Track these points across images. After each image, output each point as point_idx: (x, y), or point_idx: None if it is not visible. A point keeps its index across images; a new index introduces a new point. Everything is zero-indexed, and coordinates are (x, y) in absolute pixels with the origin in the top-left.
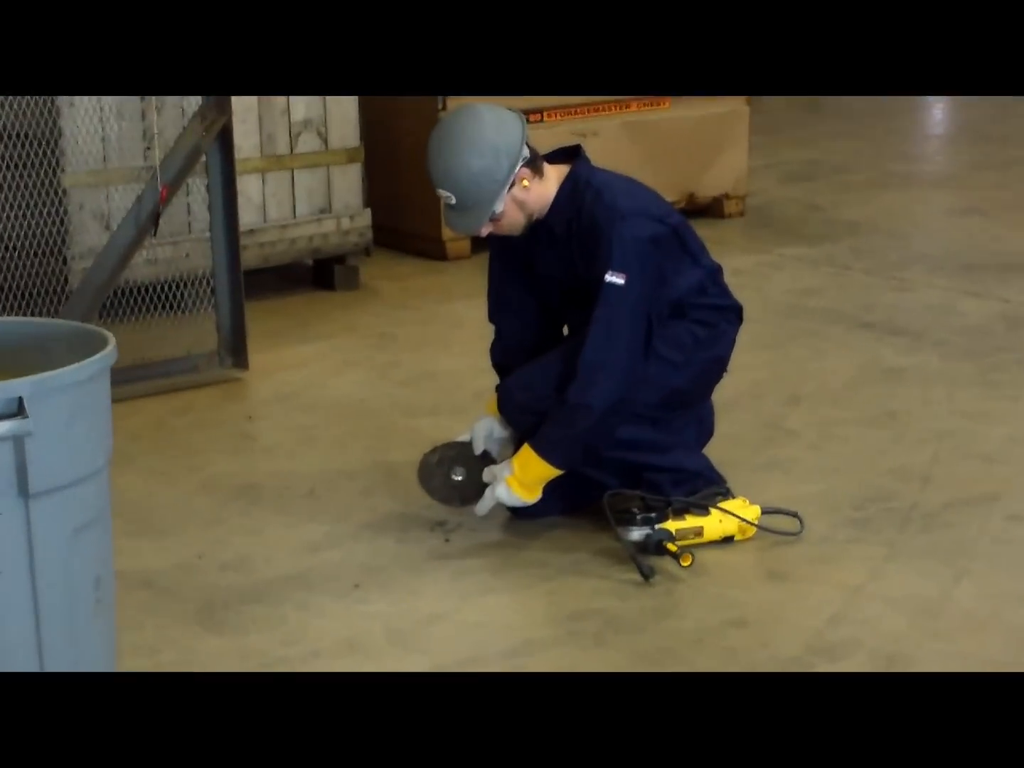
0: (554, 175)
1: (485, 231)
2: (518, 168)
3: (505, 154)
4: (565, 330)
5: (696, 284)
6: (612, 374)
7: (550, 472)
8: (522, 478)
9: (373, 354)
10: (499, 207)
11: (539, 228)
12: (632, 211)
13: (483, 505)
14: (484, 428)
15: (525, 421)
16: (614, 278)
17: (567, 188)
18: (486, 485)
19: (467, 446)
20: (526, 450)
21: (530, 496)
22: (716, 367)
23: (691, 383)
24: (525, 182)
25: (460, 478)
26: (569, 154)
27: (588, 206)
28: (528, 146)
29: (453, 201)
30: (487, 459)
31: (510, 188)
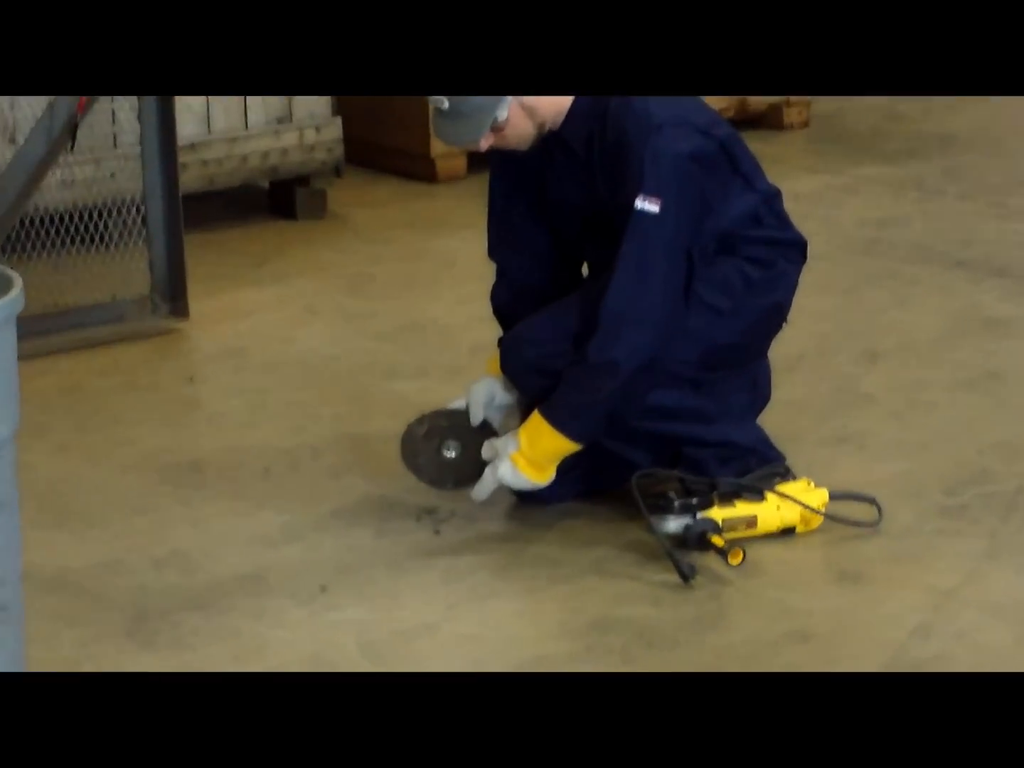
0: None
1: (485, 144)
2: None
3: None
4: (584, 270)
5: (749, 213)
6: (643, 325)
7: (565, 447)
8: (531, 454)
9: (344, 300)
10: (502, 114)
11: (552, 142)
12: (669, 120)
13: (482, 488)
14: (483, 392)
15: (535, 383)
16: (646, 204)
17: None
18: (485, 463)
19: (462, 415)
20: (536, 419)
21: (540, 477)
22: (773, 316)
23: (742, 336)
24: None
25: (453, 454)
26: None
27: (614, 114)
28: None
29: (445, 106)
30: (487, 431)
31: None
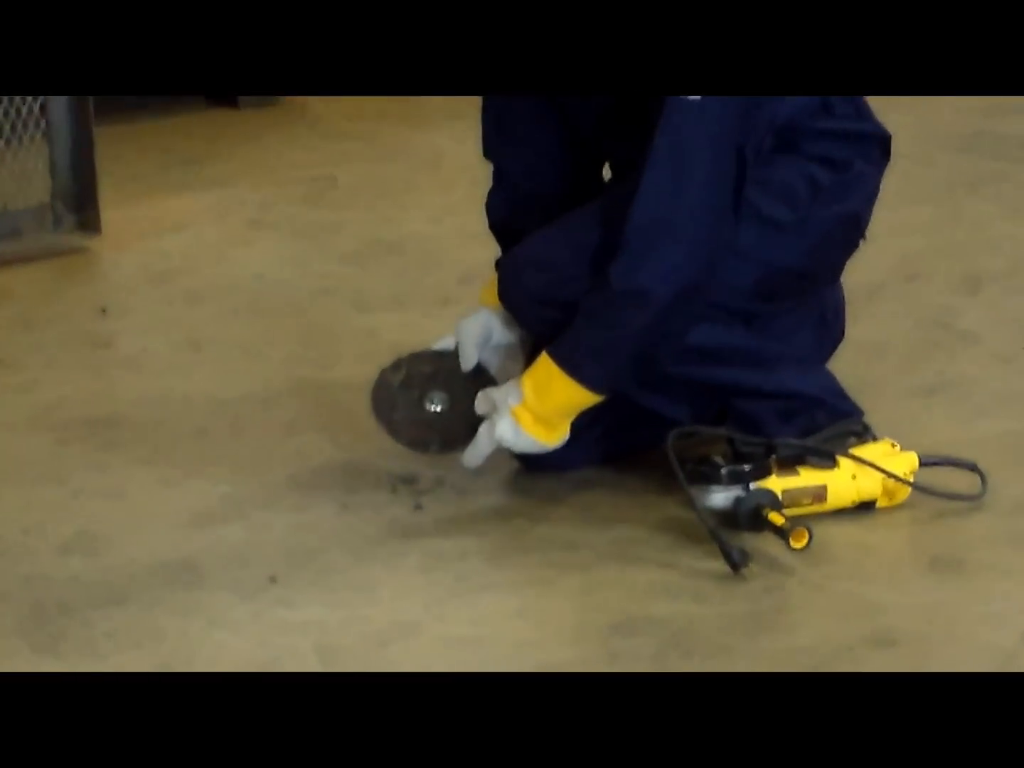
0: None
1: None
2: None
3: None
4: (606, 173)
5: (816, 98)
6: (681, 241)
7: (582, 398)
8: (537, 408)
9: (299, 211)
10: None
11: None
12: None
13: (475, 452)
14: (477, 329)
15: (542, 317)
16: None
17: None
18: (479, 420)
19: (450, 358)
20: (544, 363)
21: (550, 437)
22: (848, 231)
23: (808, 257)
24: None
25: (439, 408)
26: None
27: None
28: None
29: None
30: (482, 378)
31: None
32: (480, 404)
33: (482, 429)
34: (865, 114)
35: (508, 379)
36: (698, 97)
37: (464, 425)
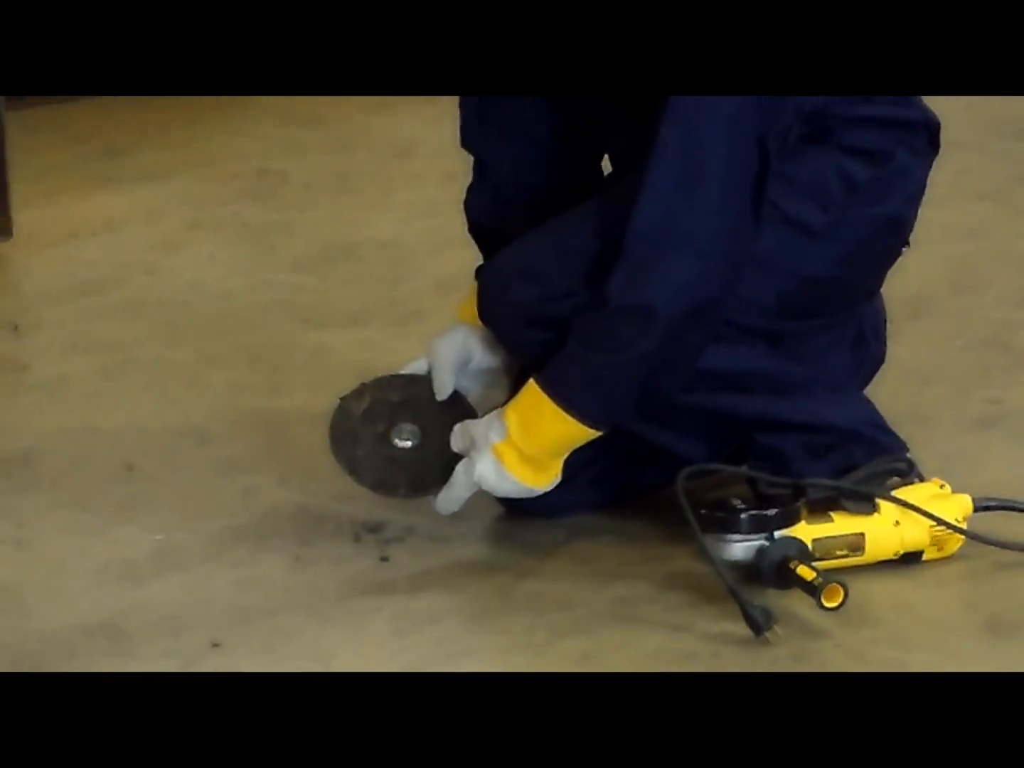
0: None
1: None
2: None
3: None
4: (605, 166)
5: None
6: (691, 250)
7: (576, 434)
8: (524, 445)
9: (246, 209)
10: None
11: None
12: None
13: (450, 495)
14: (454, 349)
15: (530, 337)
16: None
17: None
18: (456, 457)
19: (422, 384)
20: (532, 392)
21: (537, 479)
22: (889, 235)
23: (842, 266)
24: None
25: (409, 443)
26: None
27: None
28: None
29: None
30: (459, 408)
31: None
32: (457, 439)
33: (459, 469)
34: (910, 98)
35: (490, 410)
36: None
37: (437, 464)
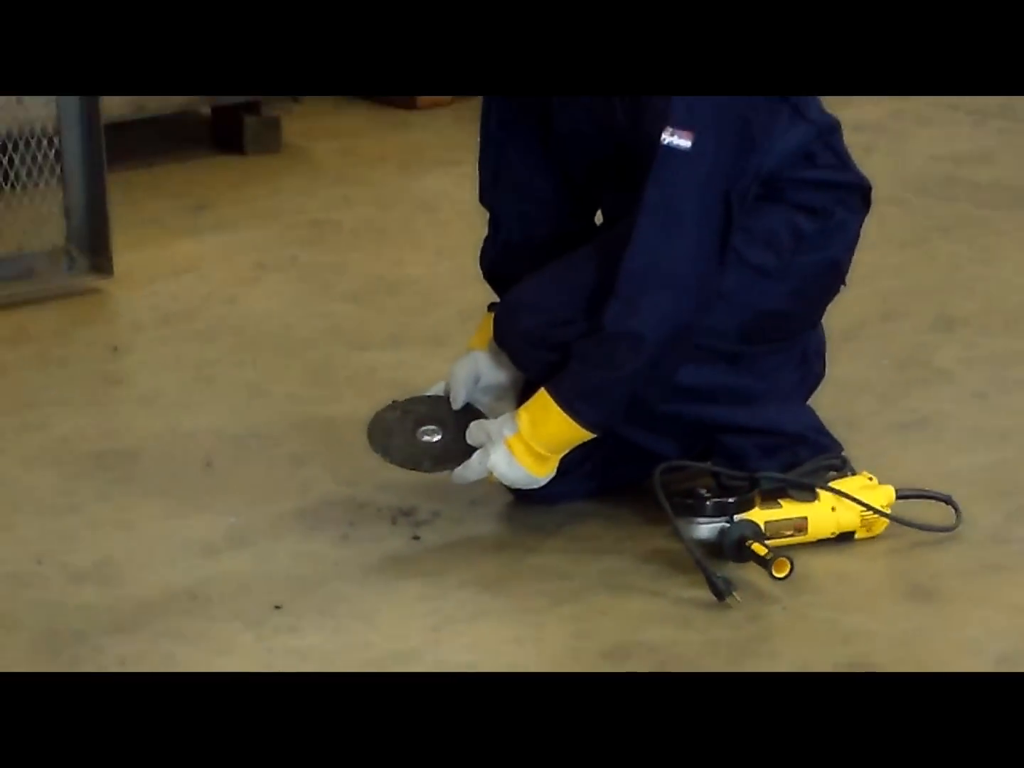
0: None
1: None
2: None
3: None
4: (598, 219)
5: (799, 149)
6: (672, 287)
7: (575, 435)
8: (532, 441)
9: (303, 253)
10: None
11: None
12: None
13: (466, 471)
14: (467, 370)
15: (536, 359)
16: (675, 139)
17: None
18: (471, 450)
19: (443, 400)
20: (542, 398)
21: (540, 470)
22: (829, 276)
23: (791, 301)
24: None
25: (432, 439)
26: None
27: None
28: None
29: None
30: (471, 414)
31: None
32: (473, 434)
33: (476, 456)
34: (846, 164)
35: (497, 416)
36: (688, 145)
37: (455, 450)
